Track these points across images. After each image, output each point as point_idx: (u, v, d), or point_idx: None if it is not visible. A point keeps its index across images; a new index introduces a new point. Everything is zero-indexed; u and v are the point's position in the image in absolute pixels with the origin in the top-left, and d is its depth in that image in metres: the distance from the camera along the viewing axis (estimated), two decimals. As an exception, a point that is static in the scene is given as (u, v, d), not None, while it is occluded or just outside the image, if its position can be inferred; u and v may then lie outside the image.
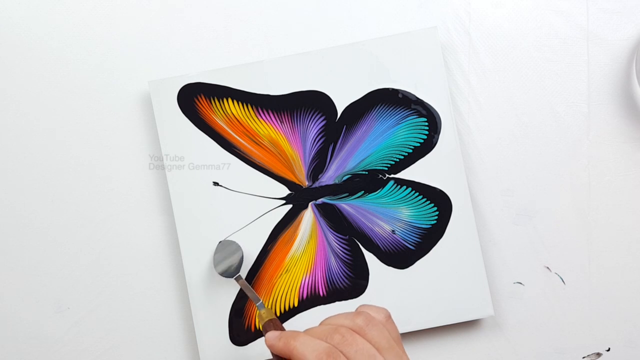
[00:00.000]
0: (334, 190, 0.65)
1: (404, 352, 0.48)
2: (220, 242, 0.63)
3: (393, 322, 0.49)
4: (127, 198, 0.66)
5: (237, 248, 0.63)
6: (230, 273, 0.62)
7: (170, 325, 0.66)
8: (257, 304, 0.58)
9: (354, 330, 0.46)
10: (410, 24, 0.67)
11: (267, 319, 0.55)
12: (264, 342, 0.63)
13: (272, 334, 0.49)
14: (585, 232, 0.66)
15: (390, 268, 0.64)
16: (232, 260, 0.62)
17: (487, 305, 0.63)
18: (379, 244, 0.64)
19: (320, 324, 0.49)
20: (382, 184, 0.65)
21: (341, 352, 0.45)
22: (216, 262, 0.63)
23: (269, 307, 0.64)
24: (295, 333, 0.48)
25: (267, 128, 0.65)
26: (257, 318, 0.54)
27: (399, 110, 0.65)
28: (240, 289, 0.63)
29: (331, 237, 0.65)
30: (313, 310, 0.64)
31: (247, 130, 0.65)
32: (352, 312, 0.49)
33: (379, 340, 0.46)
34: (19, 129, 0.67)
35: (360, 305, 0.50)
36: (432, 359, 0.65)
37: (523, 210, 0.66)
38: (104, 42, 0.67)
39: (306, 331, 0.48)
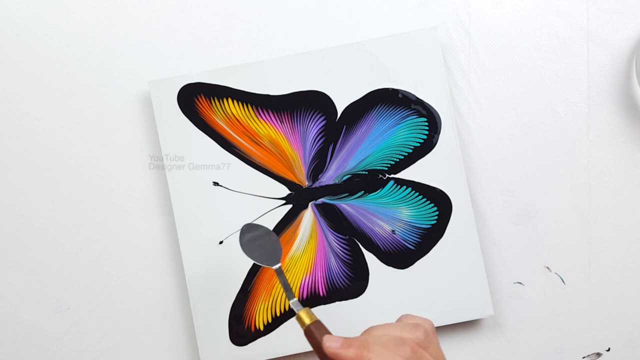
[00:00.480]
0: (334, 190, 0.65)
1: None
2: (246, 225, 0.58)
3: (435, 334, 0.48)
4: (127, 198, 0.66)
5: (271, 233, 0.57)
6: (271, 261, 0.55)
7: (170, 325, 0.66)
8: (292, 302, 0.51)
9: (418, 345, 0.45)
10: (410, 24, 0.67)
11: (311, 322, 0.49)
12: (263, 342, 0.63)
13: (333, 340, 0.46)
14: (585, 232, 0.66)
15: (390, 268, 0.64)
16: (270, 247, 0.56)
17: (487, 305, 0.63)
18: (379, 244, 0.64)
19: (365, 333, 0.47)
20: (382, 184, 0.65)
21: None
22: (248, 246, 0.56)
23: (269, 307, 0.64)
24: (365, 342, 0.45)
25: (267, 128, 0.65)
26: (296, 319, 0.50)
27: (399, 110, 0.65)
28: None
29: (331, 237, 0.65)
30: (313, 310, 0.64)
31: (247, 130, 0.65)
32: (406, 324, 0.47)
33: (437, 355, 0.46)
34: (19, 129, 0.67)
35: (404, 315, 0.49)
36: (432, 359, 0.65)
37: (523, 210, 0.66)
38: (104, 42, 0.67)
39: (367, 337, 0.46)
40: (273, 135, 0.65)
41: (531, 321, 0.65)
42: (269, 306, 0.64)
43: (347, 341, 0.45)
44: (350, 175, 0.65)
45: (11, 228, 0.66)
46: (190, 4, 0.68)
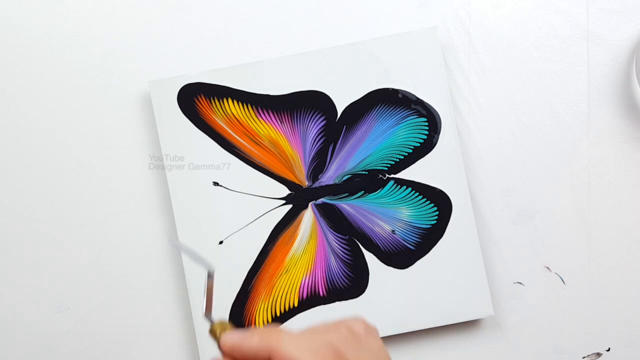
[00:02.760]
0: (334, 190, 0.65)
1: None
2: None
3: (370, 333, 0.44)
4: (127, 198, 0.66)
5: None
6: (208, 265, 0.47)
7: (170, 325, 0.66)
8: (207, 315, 0.44)
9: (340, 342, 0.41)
10: (410, 24, 0.67)
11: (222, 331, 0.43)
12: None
13: (232, 334, 0.41)
14: (585, 232, 0.66)
15: (390, 268, 0.64)
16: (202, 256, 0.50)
17: (487, 305, 0.63)
18: (379, 244, 0.64)
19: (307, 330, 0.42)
20: (382, 184, 0.65)
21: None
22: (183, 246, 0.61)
23: (269, 307, 0.64)
24: (274, 329, 0.40)
25: (267, 128, 0.65)
26: (210, 333, 0.43)
27: (399, 110, 0.65)
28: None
29: (331, 237, 0.65)
30: (313, 310, 0.64)
31: (247, 130, 0.65)
32: (326, 323, 0.42)
33: (369, 355, 0.42)
34: (19, 129, 0.67)
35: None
36: (432, 359, 0.65)
37: (523, 210, 0.66)
38: (104, 42, 0.67)
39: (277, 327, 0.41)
40: (273, 135, 0.65)
41: (531, 321, 0.65)
42: (269, 306, 0.64)
43: (251, 331, 0.40)
44: (350, 175, 0.65)
45: (11, 228, 0.66)
46: (190, 4, 0.68)
